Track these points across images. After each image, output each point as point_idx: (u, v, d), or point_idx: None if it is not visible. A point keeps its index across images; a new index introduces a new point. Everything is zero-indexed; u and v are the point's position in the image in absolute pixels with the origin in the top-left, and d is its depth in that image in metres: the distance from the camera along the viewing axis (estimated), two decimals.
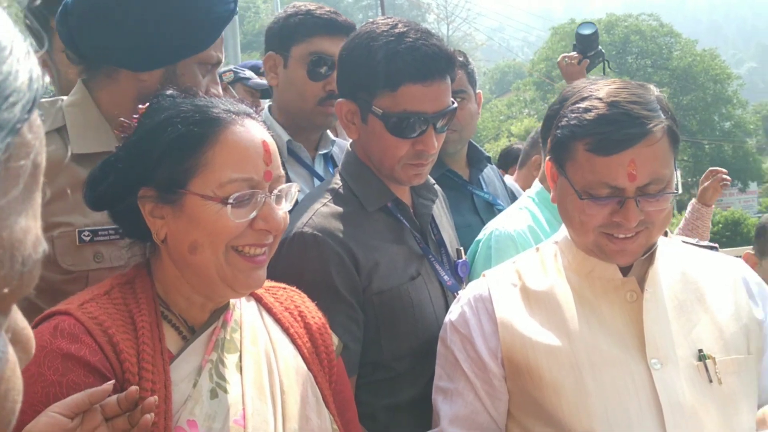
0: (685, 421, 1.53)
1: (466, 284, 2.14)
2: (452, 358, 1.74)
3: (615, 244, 1.59)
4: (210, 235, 1.38)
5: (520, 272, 1.77)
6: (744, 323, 1.67)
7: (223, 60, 1.96)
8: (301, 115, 2.48)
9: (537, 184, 2.50)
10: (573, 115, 1.57)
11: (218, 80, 1.96)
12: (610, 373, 1.59)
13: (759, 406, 1.66)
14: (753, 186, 51.82)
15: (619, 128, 1.50)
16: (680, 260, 1.74)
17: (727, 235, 24.57)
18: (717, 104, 50.98)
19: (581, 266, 1.70)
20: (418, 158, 1.93)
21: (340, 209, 1.94)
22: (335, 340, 1.67)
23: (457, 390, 1.72)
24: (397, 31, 1.87)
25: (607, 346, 1.62)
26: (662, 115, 1.54)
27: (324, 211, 1.93)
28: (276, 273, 1.60)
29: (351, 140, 2.10)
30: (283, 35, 2.50)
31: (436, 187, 2.23)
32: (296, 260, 1.83)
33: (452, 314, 1.79)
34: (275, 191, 1.44)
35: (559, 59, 3.81)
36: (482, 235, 2.36)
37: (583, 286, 1.68)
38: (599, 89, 1.57)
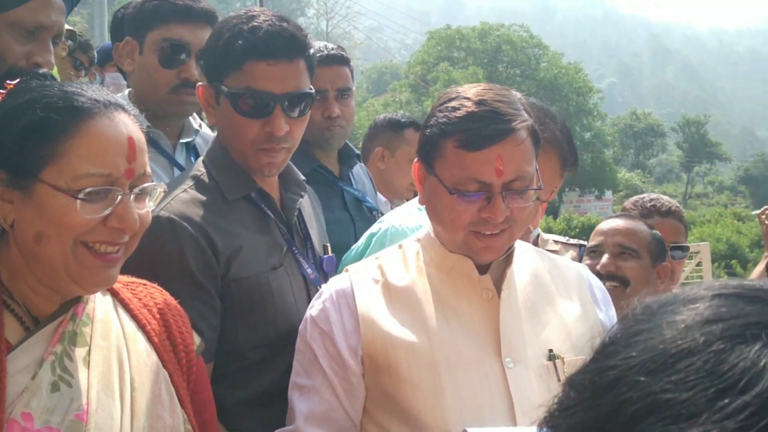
0: (534, 418, 1.57)
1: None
2: (311, 354, 1.72)
3: (482, 242, 1.63)
4: (57, 227, 1.32)
5: (383, 268, 1.77)
6: (590, 325, 1.75)
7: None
8: (154, 102, 2.39)
9: None
10: (442, 114, 1.61)
11: (50, 49, 1.82)
12: (466, 371, 1.62)
13: None
14: (608, 194, 55.26)
15: (487, 124, 1.55)
16: (533, 263, 1.81)
17: (583, 240, 25.95)
18: (579, 115, 53.89)
19: (442, 263, 1.72)
20: (269, 141, 1.91)
21: (200, 196, 1.90)
22: (197, 339, 1.62)
23: (314, 387, 1.70)
24: (249, 14, 1.89)
25: (464, 344, 1.65)
26: (525, 115, 1.61)
27: (183, 197, 1.88)
28: (129, 258, 1.52)
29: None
30: (139, 21, 2.44)
31: (307, 184, 2.23)
32: (150, 244, 1.74)
33: (313, 309, 1.76)
34: (136, 189, 1.38)
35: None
36: (376, 229, 2.34)
37: (443, 284, 1.70)
38: (466, 91, 1.62)
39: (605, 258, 2.47)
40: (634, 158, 77.67)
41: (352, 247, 2.44)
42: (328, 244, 2.23)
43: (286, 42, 1.88)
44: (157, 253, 1.78)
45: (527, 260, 1.81)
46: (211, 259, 1.83)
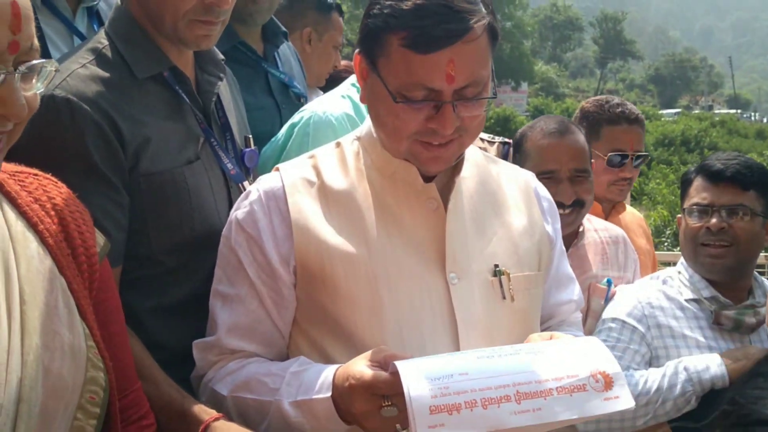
0: (477, 337, 1.49)
1: (254, 177, 1.92)
2: (236, 261, 1.55)
3: (429, 152, 1.46)
4: None
5: (319, 168, 1.58)
6: (537, 239, 1.64)
7: None
8: None
9: None
10: (387, 2, 1.39)
11: None
12: (407, 286, 1.50)
13: (541, 322, 1.67)
14: (524, 86, 55.86)
15: (438, 22, 1.34)
16: (480, 170, 1.67)
17: (497, 131, 26.36)
18: (500, 3, 53.51)
19: (384, 167, 1.56)
20: (208, 14, 1.68)
21: (103, 73, 1.63)
22: (100, 240, 1.39)
23: (238, 296, 1.54)
24: None
25: (406, 257, 1.51)
26: (483, 10, 1.41)
27: (82, 73, 1.61)
28: (17, 146, 1.25)
29: None
30: None
31: (225, 66, 1.96)
32: (44, 129, 1.49)
33: (239, 211, 1.57)
34: (22, 67, 1.13)
35: None
36: (297, 118, 2.12)
37: (385, 190, 1.55)
38: None
39: (566, 186, 2.27)
40: (551, 51, 78.37)
41: (273, 138, 2.22)
42: (250, 136, 2.00)
43: None
44: (52, 140, 1.53)
45: (475, 167, 1.65)
46: (116, 148, 1.59)
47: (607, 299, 2.36)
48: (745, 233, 2.21)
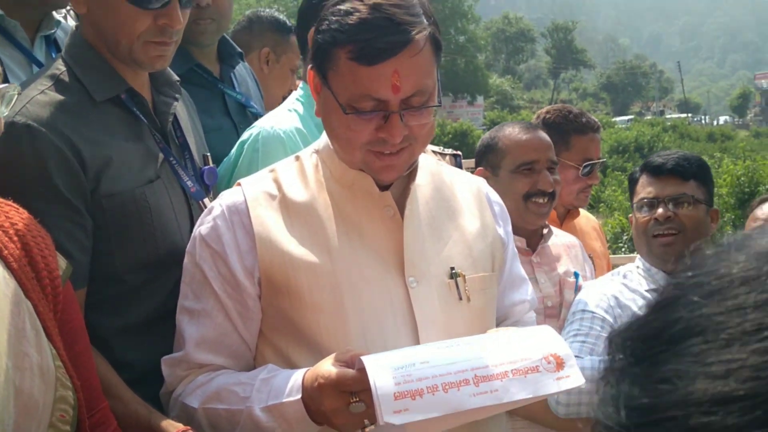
0: (437, 336, 1.54)
1: (214, 194, 1.97)
2: (201, 276, 1.58)
3: (381, 161, 1.51)
4: None
5: (280, 181, 1.63)
6: (490, 241, 1.71)
7: None
8: None
9: (302, 85, 2.29)
10: (334, 18, 1.44)
11: None
12: (369, 292, 1.54)
13: (497, 323, 1.74)
14: (480, 100, 56.49)
15: (382, 35, 1.40)
16: (434, 177, 1.73)
17: (455, 145, 26.58)
18: (454, 18, 54.13)
19: (342, 177, 1.61)
20: (161, 35, 1.72)
21: (61, 98, 1.67)
22: (62, 263, 1.42)
23: (205, 310, 1.57)
24: None
25: (367, 264, 1.56)
26: (425, 21, 1.46)
27: (41, 99, 1.64)
28: None
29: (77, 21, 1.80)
30: None
31: (181, 86, 2.00)
32: (5, 155, 1.53)
33: (202, 227, 1.61)
34: None
35: None
36: (247, 135, 2.15)
37: (344, 200, 1.60)
38: None
39: (546, 176, 2.39)
40: (505, 63, 79.38)
41: (227, 157, 2.25)
42: (208, 154, 2.03)
43: None
44: (14, 166, 1.56)
45: (428, 174, 1.72)
46: (78, 171, 1.62)
47: (576, 291, 2.47)
48: (690, 220, 2.32)
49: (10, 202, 1.40)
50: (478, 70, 56.37)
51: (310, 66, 1.57)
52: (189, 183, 1.85)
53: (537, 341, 1.42)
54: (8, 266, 1.29)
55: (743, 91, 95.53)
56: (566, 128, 2.83)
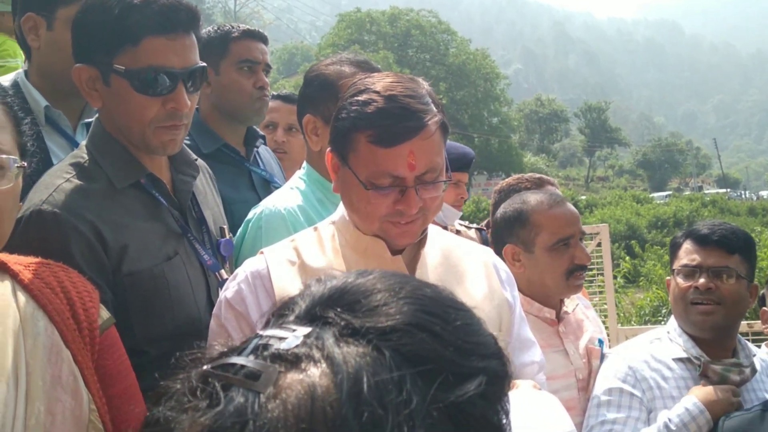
0: None
1: (230, 264, 2.05)
2: (225, 336, 1.66)
3: (398, 228, 1.66)
4: None
5: (299, 250, 1.74)
6: (497, 303, 1.78)
7: None
8: (65, 79, 2.22)
9: (305, 165, 2.42)
10: (353, 108, 1.60)
11: None
12: None
13: None
14: None
15: (397, 121, 1.56)
16: (443, 245, 1.83)
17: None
18: (486, 101, 55.12)
19: (357, 244, 1.72)
20: (171, 119, 1.84)
21: (85, 185, 1.77)
22: (104, 314, 1.55)
23: None
24: None
25: None
26: (434, 109, 1.62)
27: (66, 187, 1.75)
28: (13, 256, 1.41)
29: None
30: None
31: (201, 162, 2.12)
32: (34, 242, 1.62)
33: (228, 291, 1.71)
34: None
35: None
36: (252, 215, 2.26)
37: (358, 265, 1.69)
38: (375, 83, 1.62)
39: (582, 248, 2.45)
40: (539, 143, 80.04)
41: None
42: (225, 226, 2.13)
43: (184, 15, 1.81)
44: (42, 251, 1.64)
45: (438, 242, 1.83)
46: (100, 253, 1.72)
47: (602, 358, 2.45)
48: (730, 294, 2.30)
49: (60, 264, 1.55)
50: (512, 150, 56.86)
51: (329, 149, 1.69)
52: (206, 257, 1.93)
53: (542, 416, 1.42)
54: (52, 319, 1.42)
55: None
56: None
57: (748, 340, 2.77)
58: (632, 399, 2.27)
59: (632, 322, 12.12)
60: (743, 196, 77.61)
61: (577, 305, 2.60)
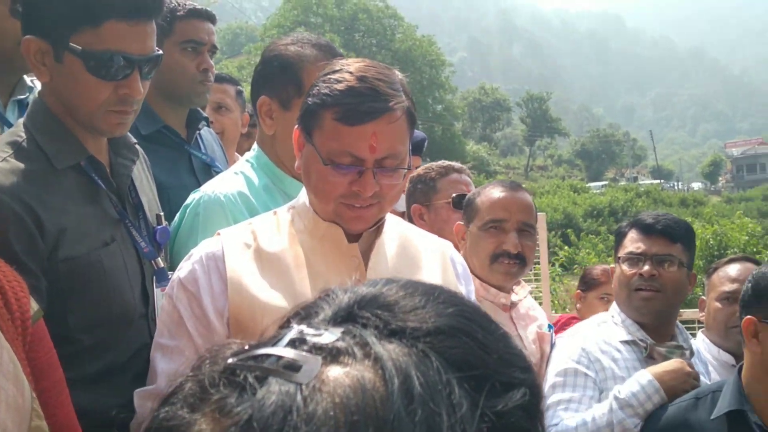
0: None
1: (165, 253, 2.05)
2: (177, 316, 1.68)
3: (352, 212, 1.67)
4: None
5: (256, 233, 1.75)
6: None
7: None
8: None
9: (255, 148, 2.33)
10: (324, 85, 1.62)
11: None
12: None
13: None
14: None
15: (364, 101, 1.58)
16: (401, 235, 1.86)
17: None
18: (431, 88, 55.29)
19: (314, 230, 1.74)
20: (122, 104, 1.81)
21: (22, 165, 1.73)
22: (35, 305, 1.51)
23: (178, 347, 1.67)
24: None
25: None
26: (403, 97, 1.64)
27: (3, 167, 1.71)
28: None
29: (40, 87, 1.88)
30: None
31: (138, 147, 2.08)
32: None
33: (181, 271, 1.72)
34: None
35: None
36: (190, 200, 2.19)
37: (314, 250, 1.72)
38: (350, 65, 1.64)
39: (513, 237, 2.43)
40: (481, 131, 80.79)
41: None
42: (162, 213, 2.09)
43: (150, 2, 1.79)
44: None
45: (396, 232, 1.85)
46: (37, 239, 1.68)
47: (552, 344, 2.52)
48: (672, 281, 2.40)
49: None
50: (455, 138, 57.26)
51: (296, 126, 1.71)
52: (142, 244, 1.91)
53: None
54: None
55: (714, 158, 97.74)
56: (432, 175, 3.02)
57: None
58: (586, 379, 2.33)
59: (567, 309, 12.47)
60: (676, 187, 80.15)
61: (529, 292, 2.65)
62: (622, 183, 63.25)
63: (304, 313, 0.64)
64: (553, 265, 13.00)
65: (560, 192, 43.55)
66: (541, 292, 6.29)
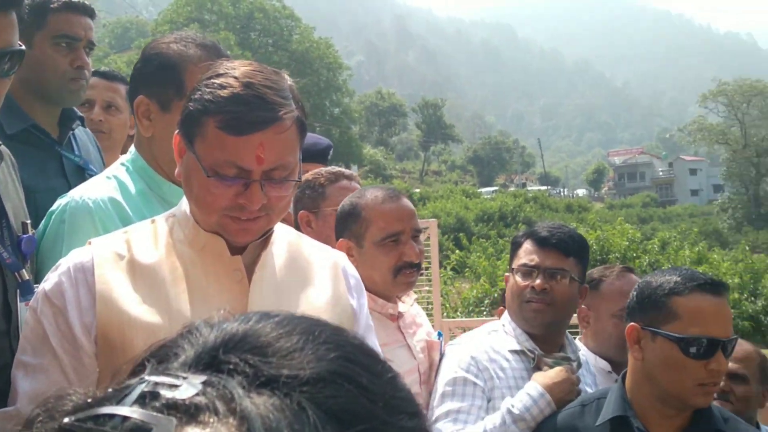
0: None
1: (31, 263, 1.90)
2: (41, 331, 1.55)
3: (238, 224, 1.58)
4: None
5: (131, 242, 1.63)
6: (339, 311, 1.74)
7: None
8: None
9: (132, 151, 2.18)
10: (207, 90, 1.51)
11: None
12: None
13: None
14: (354, 169, 57.51)
15: (251, 110, 1.48)
16: (291, 247, 1.78)
17: None
18: (329, 90, 55.30)
19: (194, 240, 1.64)
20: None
21: None
22: None
23: (41, 365, 1.54)
24: None
25: None
26: (293, 105, 1.55)
27: None
28: None
29: None
30: None
31: (4, 149, 1.93)
32: None
33: (47, 283, 1.58)
34: None
35: None
36: (56, 206, 2.02)
37: (194, 262, 1.62)
38: (236, 68, 1.54)
39: (413, 246, 2.40)
40: (378, 135, 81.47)
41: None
42: (29, 221, 1.94)
43: None
44: None
45: (285, 243, 1.77)
46: None
47: (442, 353, 2.50)
48: (562, 295, 2.42)
49: None
50: (353, 141, 57.48)
51: (177, 131, 1.59)
52: (5, 254, 1.78)
53: None
54: None
55: (598, 166, 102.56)
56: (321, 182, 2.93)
57: None
58: (475, 388, 2.33)
59: (458, 312, 12.74)
60: (562, 193, 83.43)
61: (415, 300, 2.62)
62: (512, 189, 65.27)
63: (162, 355, 0.56)
64: (445, 268, 13.24)
65: (453, 197, 44.64)
66: (432, 297, 6.36)
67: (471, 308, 13.13)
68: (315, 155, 3.17)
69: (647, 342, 2.02)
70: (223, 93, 1.49)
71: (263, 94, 1.50)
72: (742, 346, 2.84)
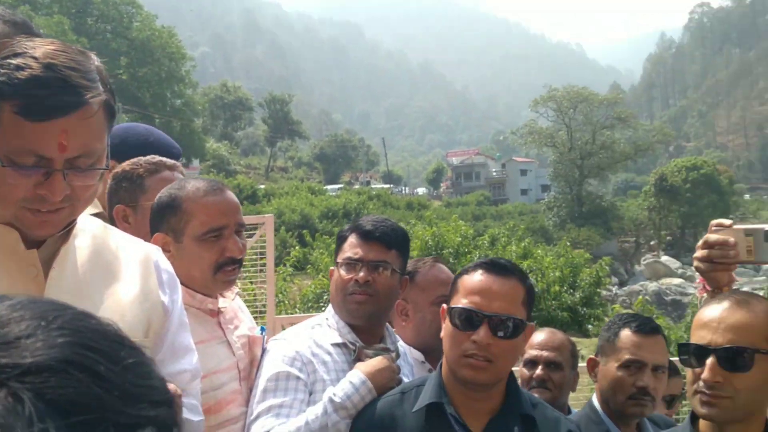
0: None
1: None
2: None
3: (37, 217, 1.46)
4: None
5: None
6: (147, 307, 1.66)
7: None
8: None
9: None
10: (3, 71, 1.38)
11: None
12: None
13: None
14: (196, 163, 56.01)
15: (52, 93, 1.37)
16: (95, 241, 1.67)
17: None
18: (170, 81, 53.51)
19: None
20: None
21: None
22: None
23: None
24: None
25: None
26: (101, 88, 1.44)
27: None
28: None
29: None
30: None
31: None
32: None
33: None
34: None
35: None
36: None
37: None
38: (35, 47, 1.40)
39: (236, 241, 2.30)
40: (222, 129, 79.80)
41: None
42: None
43: None
44: None
45: (91, 238, 1.65)
46: None
47: (264, 348, 2.49)
48: (384, 286, 2.49)
49: None
50: (195, 134, 55.92)
51: None
52: None
53: None
54: None
55: (437, 166, 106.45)
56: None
57: None
58: (298, 382, 2.31)
59: (297, 309, 12.90)
60: (404, 191, 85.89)
61: (237, 295, 2.54)
62: (357, 186, 66.20)
63: None
64: (284, 265, 13.34)
65: (299, 194, 44.69)
66: (266, 294, 6.42)
67: (310, 304, 13.32)
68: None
69: (444, 320, 2.18)
70: (21, 75, 1.36)
71: (67, 76, 1.38)
72: (556, 335, 3.15)
